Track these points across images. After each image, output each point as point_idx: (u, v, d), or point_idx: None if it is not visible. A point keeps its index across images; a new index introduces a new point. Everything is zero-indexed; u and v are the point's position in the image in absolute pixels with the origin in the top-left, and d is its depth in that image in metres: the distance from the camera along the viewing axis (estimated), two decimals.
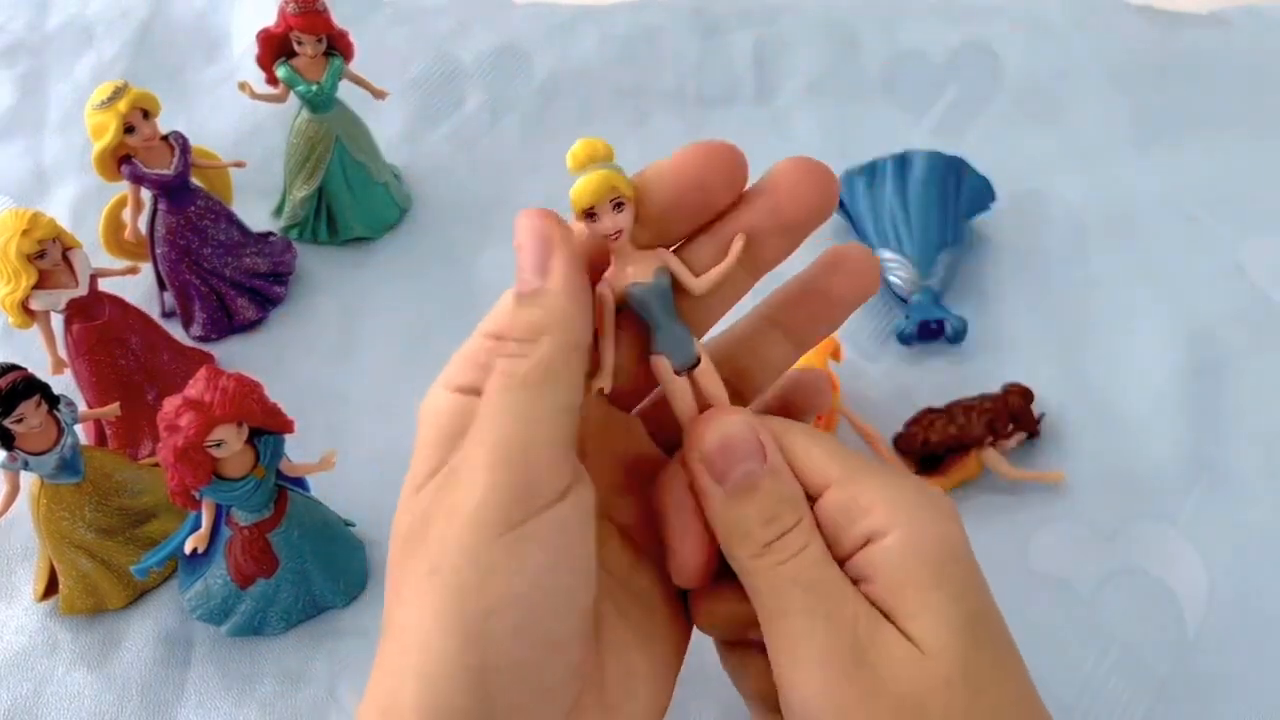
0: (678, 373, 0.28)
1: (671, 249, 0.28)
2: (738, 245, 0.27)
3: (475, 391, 0.26)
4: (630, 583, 0.29)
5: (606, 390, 0.28)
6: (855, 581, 0.26)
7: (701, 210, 0.28)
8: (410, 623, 0.25)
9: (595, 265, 0.28)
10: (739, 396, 0.30)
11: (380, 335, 0.60)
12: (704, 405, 0.28)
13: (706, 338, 0.30)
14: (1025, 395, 0.53)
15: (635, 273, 0.27)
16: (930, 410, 0.53)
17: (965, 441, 0.52)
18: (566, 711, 0.26)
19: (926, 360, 0.58)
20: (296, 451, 0.45)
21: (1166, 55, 0.75)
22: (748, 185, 0.28)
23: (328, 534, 0.47)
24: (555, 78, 0.75)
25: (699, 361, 0.28)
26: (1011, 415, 0.52)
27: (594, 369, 0.28)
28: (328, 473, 0.46)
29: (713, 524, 0.27)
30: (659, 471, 0.29)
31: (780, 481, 0.27)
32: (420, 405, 0.27)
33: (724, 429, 0.27)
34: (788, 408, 0.32)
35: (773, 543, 0.26)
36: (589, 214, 0.26)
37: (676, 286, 0.28)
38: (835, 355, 0.54)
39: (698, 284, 0.28)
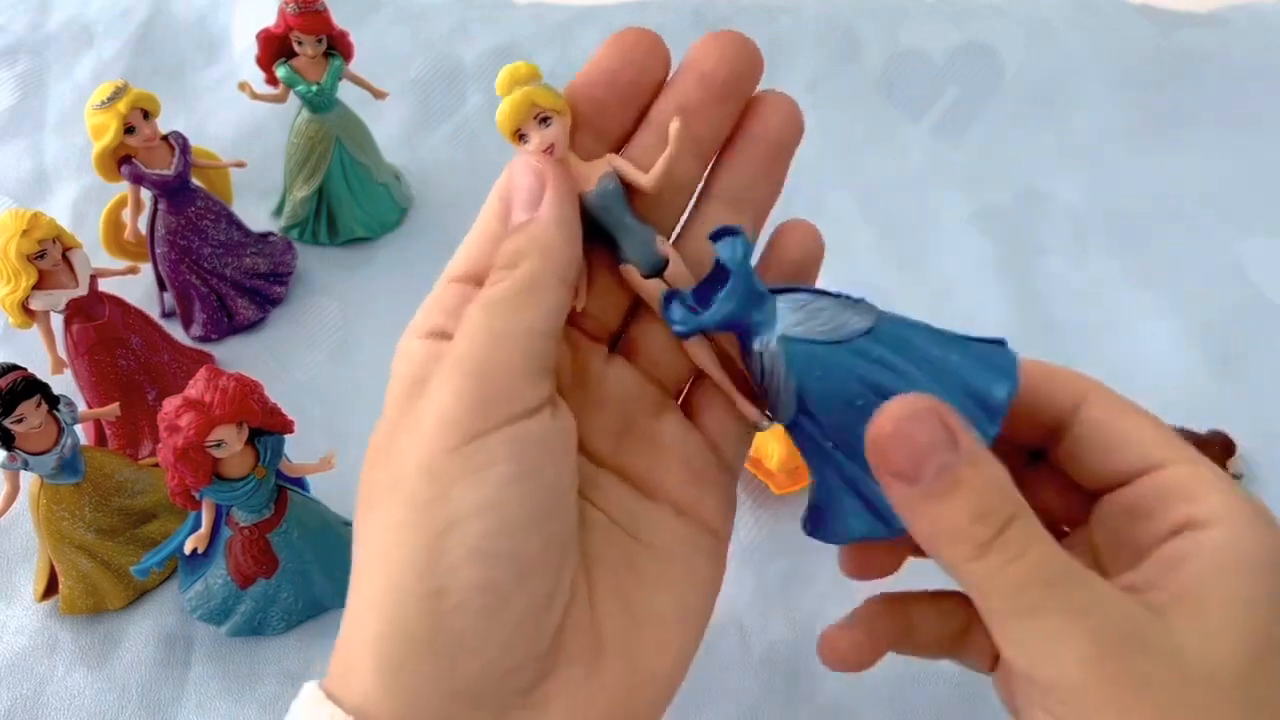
0: (648, 277, 0.28)
1: (620, 152, 0.29)
2: (675, 125, 0.27)
3: (445, 335, 0.26)
4: (638, 530, 0.27)
5: (579, 306, 0.28)
6: (1124, 568, 0.25)
7: (632, 98, 0.28)
8: (368, 548, 0.24)
9: None
10: None
11: (380, 335, 0.60)
12: None
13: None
14: (1225, 446, 0.51)
15: (582, 181, 0.27)
16: None
17: None
18: (540, 655, 0.24)
19: None
20: (296, 452, 0.45)
21: (1166, 55, 0.75)
22: (673, 68, 0.29)
23: (328, 534, 0.47)
24: (555, 78, 0.75)
25: (667, 263, 0.28)
26: None
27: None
28: (328, 473, 0.46)
29: (911, 526, 0.24)
30: (656, 407, 0.29)
31: (982, 469, 0.23)
32: (395, 355, 0.27)
33: (901, 420, 0.23)
34: (783, 266, 0.30)
35: (993, 540, 0.23)
36: (520, 135, 0.27)
37: (630, 189, 0.28)
38: None
39: (647, 179, 0.28)
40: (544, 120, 0.27)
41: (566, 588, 0.24)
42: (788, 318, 0.26)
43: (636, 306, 0.30)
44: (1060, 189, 0.68)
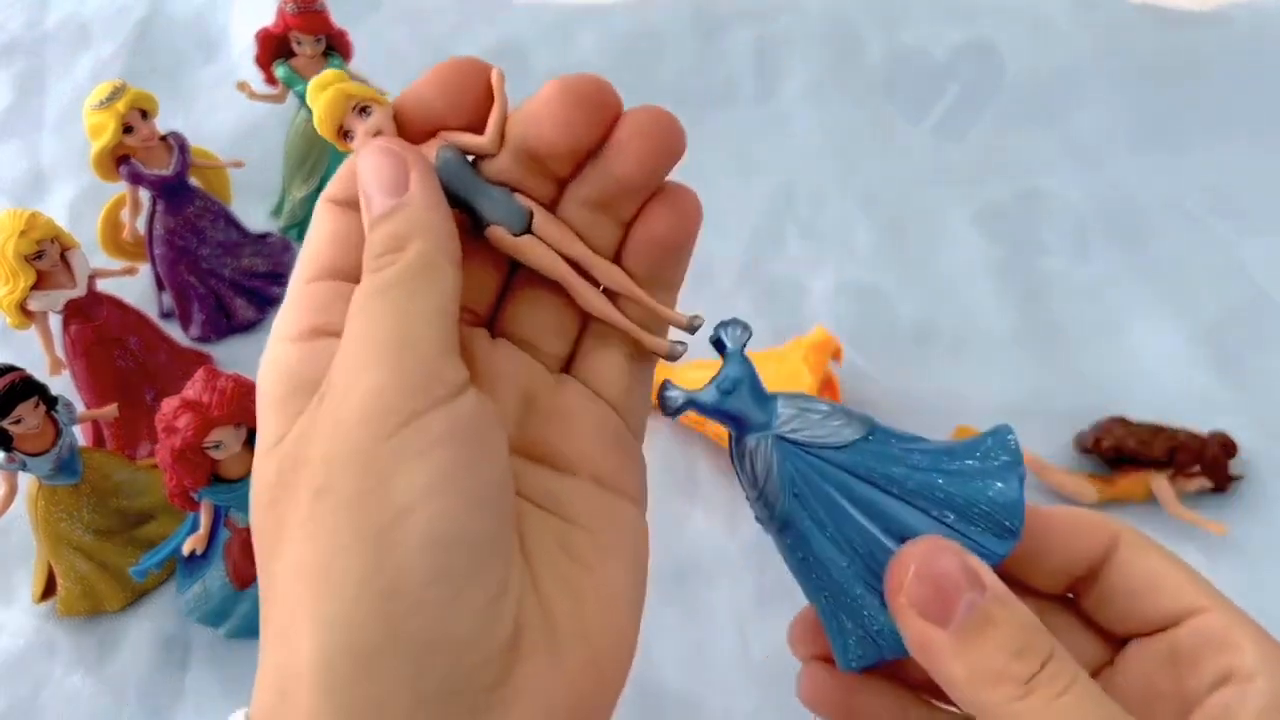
0: (518, 235, 0.26)
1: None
2: (496, 75, 0.26)
3: (328, 333, 0.24)
4: (564, 510, 0.26)
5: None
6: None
7: (464, 120, 0.27)
8: (293, 567, 0.21)
9: None
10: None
11: None
12: (566, 259, 0.27)
13: None
14: (1226, 447, 0.52)
15: None
16: (1122, 420, 0.53)
17: (1139, 458, 0.51)
18: (503, 647, 0.22)
19: (927, 360, 0.58)
20: None
21: (1168, 53, 0.75)
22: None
23: None
24: (555, 77, 0.75)
25: (533, 215, 0.26)
26: (1200, 458, 0.51)
27: None
28: None
29: (946, 678, 0.23)
30: (553, 383, 0.27)
31: (1013, 606, 0.23)
32: (259, 368, 0.25)
33: (924, 562, 0.23)
34: (645, 240, 0.27)
35: (1036, 675, 0.22)
36: (344, 134, 0.27)
37: (472, 158, 0.27)
38: (836, 355, 0.54)
39: (484, 140, 0.26)
40: (363, 110, 0.27)
41: (518, 574, 0.23)
42: (783, 417, 0.26)
43: (506, 288, 0.28)
44: (1062, 188, 0.68)
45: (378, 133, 0.26)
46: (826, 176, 0.66)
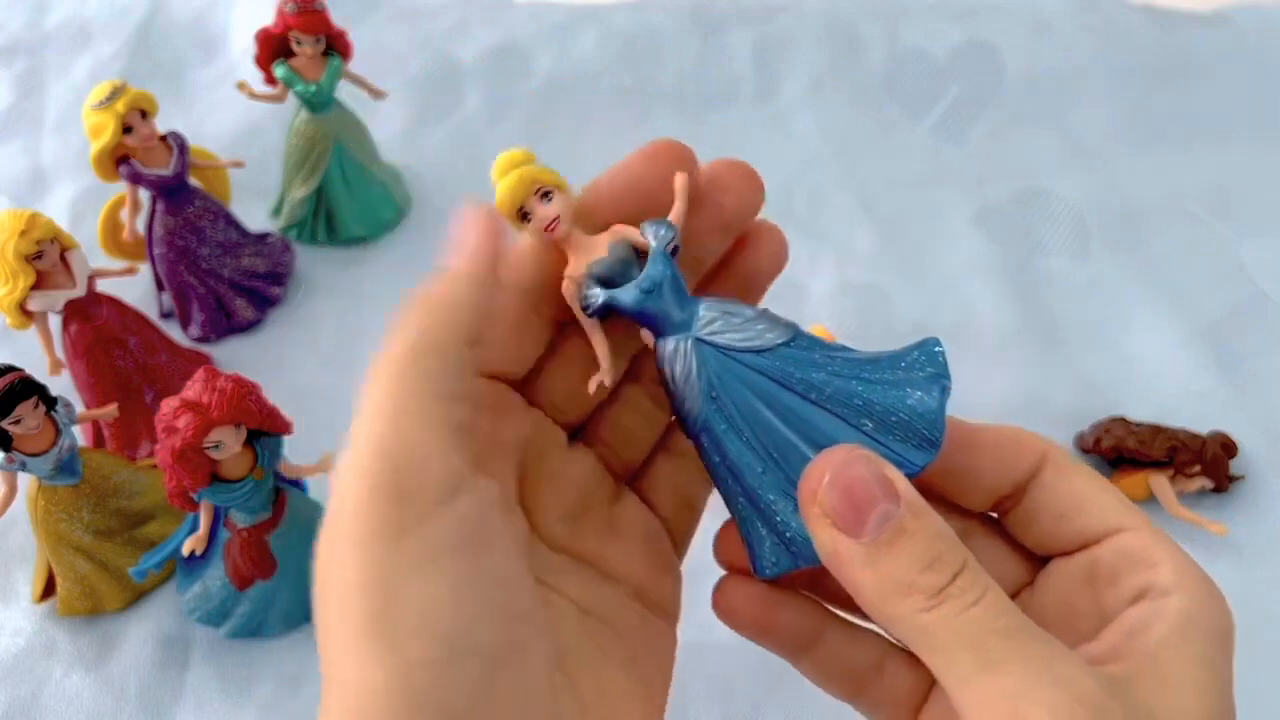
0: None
1: None
2: (681, 180, 0.26)
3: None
4: (599, 610, 0.26)
5: (608, 384, 0.27)
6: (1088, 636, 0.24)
7: (650, 208, 0.27)
8: (334, 677, 0.21)
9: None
10: None
11: (379, 336, 0.60)
12: None
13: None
14: (1226, 447, 0.52)
15: (591, 254, 0.26)
16: (1122, 420, 0.53)
17: (1139, 458, 0.51)
18: None
19: None
20: (295, 453, 0.45)
21: (1168, 54, 0.75)
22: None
23: None
24: (555, 77, 0.75)
25: None
26: (1200, 458, 0.51)
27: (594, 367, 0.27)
28: (326, 474, 0.46)
29: (856, 588, 0.23)
30: (613, 493, 0.28)
31: (927, 518, 0.22)
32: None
33: (839, 471, 0.22)
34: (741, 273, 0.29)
35: (947, 587, 0.22)
36: (522, 214, 0.27)
37: (641, 255, 0.27)
38: None
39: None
40: (545, 195, 0.27)
41: (550, 678, 0.23)
42: (704, 319, 0.25)
43: (602, 403, 0.29)
44: (1062, 188, 0.68)
45: (554, 221, 0.26)
46: (826, 176, 0.66)
